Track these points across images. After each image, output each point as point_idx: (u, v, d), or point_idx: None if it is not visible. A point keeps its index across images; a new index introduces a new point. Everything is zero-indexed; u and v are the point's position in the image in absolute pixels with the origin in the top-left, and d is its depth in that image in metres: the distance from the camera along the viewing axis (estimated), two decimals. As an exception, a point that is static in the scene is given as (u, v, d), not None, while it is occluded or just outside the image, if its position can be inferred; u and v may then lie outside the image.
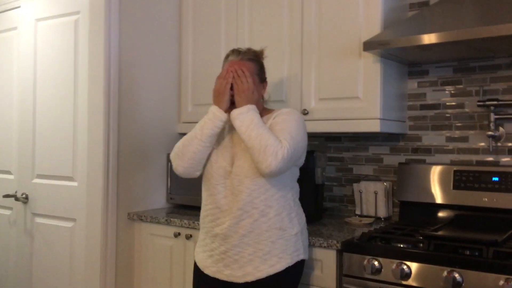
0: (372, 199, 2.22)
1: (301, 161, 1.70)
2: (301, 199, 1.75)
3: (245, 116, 1.55)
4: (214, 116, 1.61)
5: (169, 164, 2.61)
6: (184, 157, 1.63)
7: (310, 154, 2.11)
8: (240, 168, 1.60)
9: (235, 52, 1.68)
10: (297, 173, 1.72)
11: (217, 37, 2.47)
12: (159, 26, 2.56)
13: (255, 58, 1.68)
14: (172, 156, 1.68)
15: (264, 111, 1.70)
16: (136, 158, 2.47)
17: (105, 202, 2.32)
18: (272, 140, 1.50)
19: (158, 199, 2.59)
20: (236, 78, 1.60)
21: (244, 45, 2.31)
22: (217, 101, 1.62)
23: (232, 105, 1.63)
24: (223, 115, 1.61)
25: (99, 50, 2.32)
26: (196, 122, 2.56)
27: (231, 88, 1.61)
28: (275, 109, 1.73)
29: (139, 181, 2.48)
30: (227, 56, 1.71)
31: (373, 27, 1.97)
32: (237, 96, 1.59)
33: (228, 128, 1.72)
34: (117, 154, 2.36)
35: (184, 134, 2.72)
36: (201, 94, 2.58)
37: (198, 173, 1.67)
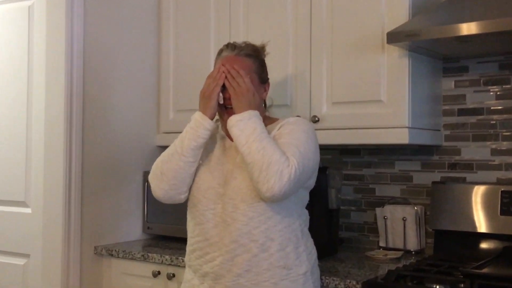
0: (400, 228, 2.21)
1: (311, 182, 1.69)
2: (311, 228, 1.74)
3: (245, 124, 1.54)
4: (197, 123, 1.60)
5: (146, 185, 2.60)
6: (164, 177, 1.63)
7: (322, 171, 2.10)
8: (235, 189, 1.58)
9: (230, 46, 1.68)
10: (306, 198, 1.71)
11: (205, 29, 2.48)
12: (134, 15, 2.58)
13: (254, 54, 1.68)
14: (150, 177, 1.68)
15: (266, 120, 1.68)
16: (105, 178, 2.47)
17: (66, 233, 2.31)
18: (278, 155, 1.48)
19: (133, 229, 2.58)
20: (231, 79, 1.60)
21: (239, 38, 2.31)
22: (201, 105, 1.62)
23: (225, 110, 1.63)
24: (207, 123, 1.60)
25: (59, 44, 2.32)
26: (179, 133, 2.55)
27: (223, 91, 1.62)
28: (280, 118, 1.73)
29: (109, 207, 2.48)
30: (220, 52, 1.71)
31: (399, 14, 1.98)
32: (235, 100, 1.58)
33: (220, 139, 1.71)
34: (81, 173, 2.35)
35: (165, 147, 2.71)
36: (185, 98, 2.58)
37: (182, 197, 1.66)
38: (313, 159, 1.60)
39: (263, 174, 1.48)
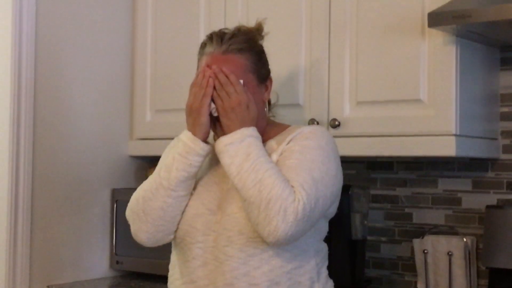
0: (445, 265, 2.20)
1: (332, 210, 1.68)
2: (330, 265, 1.73)
3: (237, 149, 1.53)
4: (187, 149, 1.59)
5: (115, 207, 2.60)
6: (148, 218, 1.62)
7: (343, 191, 2.09)
8: (231, 218, 1.58)
9: (215, 38, 1.65)
10: (324, 229, 1.70)
11: (193, 8, 2.48)
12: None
13: (247, 46, 1.66)
14: (128, 216, 1.67)
15: (271, 128, 1.70)
16: (61, 198, 2.46)
17: (11, 269, 2.30)
18: (279, 189, 1.48)
19: (97, 264, 2.58)
20: (218, 88, 1.58)
21: (236, 20, 2.30)
22: (190, 123, 1.61)
23: (219, 122, 1.62)
24: (200, 148, 1.59)
25: (4, 25, 2.32)
26: (158, 139, 2.57)
27: (213, 100, 1.60)
28: (291, 126, 1.71)
29: (66, 235, 2.47)
30: (203, 45, 1.69)
31: (443, -10, 1.98)
32: (224, 117, 1.58)
33: (212, 154, 1.69)
34: (30, 191, 2.36)
35: (139, 158, 2.74)
36: (166, 95, 2.58)
37: (172, 237, 1.66)
38: (333, 186, 1.59)
39: (262, 215, 1.48)
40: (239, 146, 1.54)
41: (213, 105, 1.60)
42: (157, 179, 1.62)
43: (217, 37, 1.65)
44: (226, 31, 1.68)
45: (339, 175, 1.63)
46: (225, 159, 1.54)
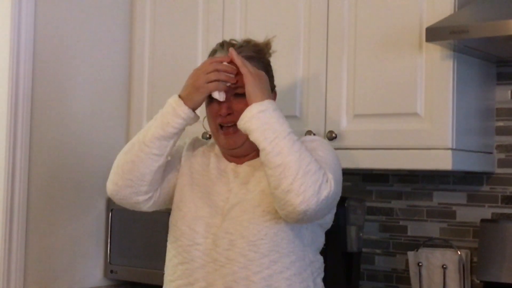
0: (439, 278, 2.20)
1: (329, 219, 1.70)
2: (325, 277, 1.73)
3: (271, 115, 1.51)
4: (169, 109, 1.60)
5: (110, 215, 2.60)
6: (119, 170, 1.65)
7: (339, 203, 2.09)
8: (234, 221, 1.59)
9: (227, 45, 1.68)
10: (321, 240, 1.71)
11: (191, 18, 2.48)
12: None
13: (257, 56, 1.69)
14: (110, 173, 1.70)
15: None
16: (56, 206, 2.46)
17: (5, 277, 2.29)
18: (316, 165, 1.49)
19: (91, 273, 2.57)
20: (240, 64, 1.58)
21: (233, 32, 2.32)
22: (184, 91, 1.61)
23: (221, 129, 1.63)
24: (182, 110, 1.59)
25: (2, 32, 2.33)
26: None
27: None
28: None
29: (61, 242, 2.47)
30: (213, 52, 1.72)
31: (441, 5, 1.97)
32: (252, 86, 1.55)
33: (215, 158, 1.71)
34: (26, 199, 2.35)
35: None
36: (162, 103, 2.49)
37: (140, 199, 1.66)
38: (340, 190, 1.62)
39: (298, 181, 1.46)
40: (273, 113, 1.52)
41: (222, 93, 1.60)
42: (136, 137, 1.66)
43: (228, 45, 1.68)
44: (235, 41, 1.71)
45: (341, 183, 1.65)
46: (257, 124, 1.51)
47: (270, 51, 1.74)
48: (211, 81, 1.59)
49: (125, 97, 2.69)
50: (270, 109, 1.53)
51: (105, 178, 2.58)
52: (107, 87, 2.63)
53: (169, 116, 1.60)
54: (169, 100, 1.63)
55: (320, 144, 1.65)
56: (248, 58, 1.65)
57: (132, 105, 2.67)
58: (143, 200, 1.67)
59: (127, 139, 2.68)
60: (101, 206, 2.61)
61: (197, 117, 1.64)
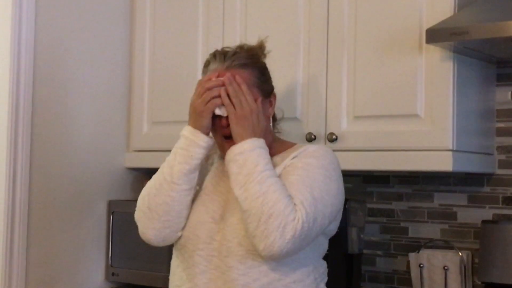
0: (440, 279, 2.20)
1: (333, 227, 1.68)
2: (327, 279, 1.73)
3: (246, 158, 1.54)
4: (188, 141, 1.61)
5: (111, 218, 2.60)
6: (154, 214, 1.63)
7: (340, 205, 2.12)
8: (232, 229, 1.59)
9: (218, 55, 1.67)
10: (324, 246, 1.71)
11: (191, 21, 2.49)
12: (100, 3, 2.60)
13: (251, 62, 1.67)
14: (136, 215, 1.67)
15: (277, 145, 1.71)
16: (58, 210, 2.46)
17: (7, 280, 2.29)
18: (282, 205, 1.48)
19: (93, 276, 2.57)
20: (232, 95, 1.59)
21: (234, 36, 2.33)
22: (192, 120, 1.63)
23: (226, 140, 1.63)
24: (201, 139, 1.60)
25: (3, 34, 2.33)
26: (154, 151, 2.57)
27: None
28: (297, 144, 1.72)
29: (62, 247, 2.47)
30: (207, 63, 1.70)
31: (441, 7, 1.98)
32: (236, 125, 1.58)
33: (218, 161, 1.71)
34: (27, 203, 2.35)
35: (136, 169, 2.74)
36: (164, 107, 2.59)
37: (179, 234, 1.66)
38: (332, 205, 1.59)
39: (260, 228, 1.49)
40: (249, 155, 1.54)
41: (221, 109, 1.60)
42: (160, 175, 1.64)
43: (220, 54, 1.67)
44: (228, 49, 1.70)
45: (340, 195, 1.63)
46: (233, 168, 1.55)
47: (265, 52, 1.74)
48: (207, 102, 1.60)
49: (125, 100, 2.69)
50: (248, 150, 1.55)
51: (106, 181, 2.65)
52: (107, 89, 2.64)
53: (190, 148, 1.60)
54: (184, 134, 1.62)
55: (315, 159, 1.60)
56: (242, 66, 1.65)
57: (133, 108, 2.68)
58: (176, 242, 1.67)
59: (127, 142, 2.69)
60: (102, 209, 2.61)
61: (212, 141, 1.64)
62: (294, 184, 1.55)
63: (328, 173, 1.60)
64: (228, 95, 1.60)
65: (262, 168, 1.53)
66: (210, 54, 1.71)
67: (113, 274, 2.58)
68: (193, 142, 1.61)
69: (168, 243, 1.67)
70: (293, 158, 1.62)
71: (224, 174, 1.67)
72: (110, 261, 2.59)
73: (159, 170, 1.66)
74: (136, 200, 1.70)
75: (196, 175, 1.63)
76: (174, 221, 1.63)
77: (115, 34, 2.65)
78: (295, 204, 1.50)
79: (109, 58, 2.64)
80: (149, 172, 2.66)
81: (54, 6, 2.45)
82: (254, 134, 1.58)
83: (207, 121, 1.62)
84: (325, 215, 1.56)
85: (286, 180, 1.56)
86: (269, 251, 1.49)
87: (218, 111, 1.62)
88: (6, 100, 2.33)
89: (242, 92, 1.60)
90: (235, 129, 1.59)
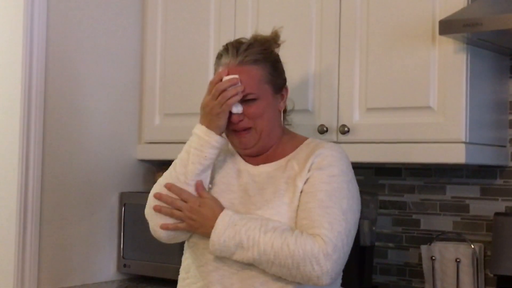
0: (452, 272, 2.20)
1: None
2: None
3: (229, 245, 1.55)
4: (201, 142, 1.62)
5: (123, 210, 2.61)
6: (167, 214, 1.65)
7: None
8: None
9: (231, 50, 1.66)
10: None
11: (203, 12, 2.49)
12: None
13: (262, 57, 1.66)
14: (147, 212, 1.68)
15: (287, 139, 1.71)
16: (70, 202, 2.47)
17: (20, 272, 2.31)
18: (297, 249, 1.51)
19: (105, 267, 2.59)
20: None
21: (246, 28, 2.33)
22: (206, 120, 1.62)
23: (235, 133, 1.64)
24: (215, 140, 1.62)
25: (15, 31, 2.34)
26: (166, 143, 2.58)
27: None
28: (308, 139, 1.71)
29: (74, 239, 2.48)
30: (219, 56, 1.70)
31: (454, -2, 1.98)
32: (194, 228, 1.62)
33: (231, 158, 1.71)
34: (39, 195, 2.36)
35: (147, 161, 2.75)
36: (175, 99, 2.59)
37: (191, 233, 1.67)
38: (358, 205, 1.65)
39: (298, 276, 1.52)
40: (230, 243, 1.55)
41: (238, 105, 1.62)
42: (173, 174, 1.64)
43: (233, 48, 1.66)
44: (242, 40, 1.69)
45: (359, 195, 1.67)
46: (235, 257, 1.56)
47: (279, 41, 1.73)
48: (223, 104, 1.60)
49: (137, 92, 2.70)
50: (228, 239, 1.55)
51: (118, 173, 2.66)
52: (119, 82, 2.64)
53: (204, 149, 1.62)
54: (197, 133, 1.63)
55: (334, 168, 1.62)
56: (254, 62, 1.64)
57: (145, 100, 2.68)
58: (188, 239, 1.69)
59: (139, 134, 2.70)
60: (114, 201, 2.61)
61: (225, 140, 1.66)
62: (323, 203, 1.57)
63: (348, 178, 1.64)
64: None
65: (251, 239, 1.54)
66: (223, 47, 1.70)
67: (125, 265, 2.59)
68: (206, 143, 1.62)
69: (179, 241, 1.69)
70: (310, 166, 1.62)
71: (235, 171, 1.68)
72: (122, 252, 2.60)
73: (171, 168, 1.66)
74: (147, 192, 1.70)
75: (208, 174, 1.65)
76: None
77: (127, 27, 2.65)
78: (317, 232, 1.53)
79: (121, 50, 2.64)
80: (161, 164, 2.70)
81: (66, 5, 2.45)
82: (214, 216, 1.58)
83: (223, 121, 1.62)
84: (356, 218, 1.62)
85: (314, 199, 1.58)
86: (322, 284, 1.53)
87: (234, 109, 1.62)
88: (18, 94, 2.33)
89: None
90: (198, 230, 1.61)
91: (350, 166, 1.68)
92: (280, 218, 1.59)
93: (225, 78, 1.61)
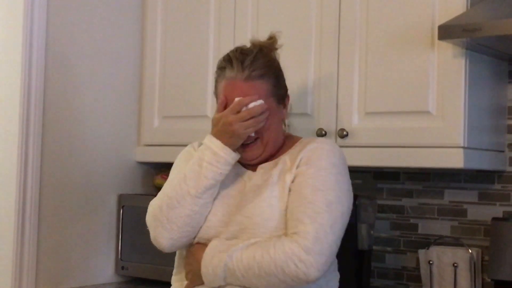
0: (450, 276, 2.20)
1: None
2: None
3: (214, 273, 1.57)
4: (217, 158, 1.60)
5: (121, 212, 2.61)
6: (173, 226, 1.63)
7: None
8: (239, 226, 1.63)
9: (236, 64, 1.64)
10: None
11: (202, 15, 2.49)
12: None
13: (267, 71, 1.67)
14: (149, 221, 1.67)
15: (286, 142, 1.74)
16: (68, 203, 2.47)
17: (17, 274, 2.30)
18: (275, 255, 1.52)
19: (103, 270, 2.59)
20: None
21: (245, 32, 2.33)
22: (225, 137, 1.61)
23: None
24: (232, 157, 1.61)
25: (15, 31, 2.34)
26: (165, 145, 2.59)
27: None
28: (302, 138, 1.73)
29: (72, 240, 2.48)
30: (222, 68, 1.68)
31: (453, 3, 1.98)
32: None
33: (231, 170, 1.70)
34: (38, 196, 2.36)
35: (146, 164, 2.75)
36: (174, 102, 2.59)
37: (195, 241, 1.68)
38: (348, 200, 1.63)
39: (288, 280, 1.52)
40: (217, 270, 1.56)
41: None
42: (184, 187, 1.62)
43: (237, 61, 1.65)
44: (245, 51, 1.68)
45: (351, 187, 1.66)
46: (228, 280, 1.57)
47: (277, 46, 1.73)
48: (248, 128, 1.61)
49: (136, 94, 2.70)
50: (209, 275, 1.58)
51: (117, 175, 2.66)
52: (118, 84, 2.64)
53: (220, 165, 1.61)
54: (212, 147, 1.61)
55: (323, 162, 1.62)
56: (260, 77, 1.65)
57: (144, 102, 2.68)
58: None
59: (138, 136, 2.70)
60: (112, 203, 2.61)
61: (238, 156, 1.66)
62: (308, 196, 1.57)
63: (338, 170, 1.63)
64: None
65: (230, 265, 1.55)
66: (225, 59, 1.69)
67: (122, 267, 2.59)
68: (222, 159, 1.61)
69: (182, 248, 1.70)
70: (300, 161, 1.63)
71: (235, 177, 1.69)
72: (120, 254, 2.60)
73: (179, 180, 1.64)
74: (146, 194, 1.71)
75: (217, 188, 1.65)
76: (192, 231, 1.65)
77: (126, 30, 2.65)
78: (294, 233, 1.53)
79: (120, 52, 2.64)
80: (160, 166, 2.70)
81: (65, 2, 2.45)
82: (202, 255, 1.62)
83: (241, 141, 1.63)
84: (344, 212, 1.61)
85: (300, 193, 1.58)
86: (313, 281, 1.53)
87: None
88: (18, 95, 2.33)
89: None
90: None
91: (343, 160, 1.67)
92: (272, 210, 1.60)
93: (256, 103, 1.61)
